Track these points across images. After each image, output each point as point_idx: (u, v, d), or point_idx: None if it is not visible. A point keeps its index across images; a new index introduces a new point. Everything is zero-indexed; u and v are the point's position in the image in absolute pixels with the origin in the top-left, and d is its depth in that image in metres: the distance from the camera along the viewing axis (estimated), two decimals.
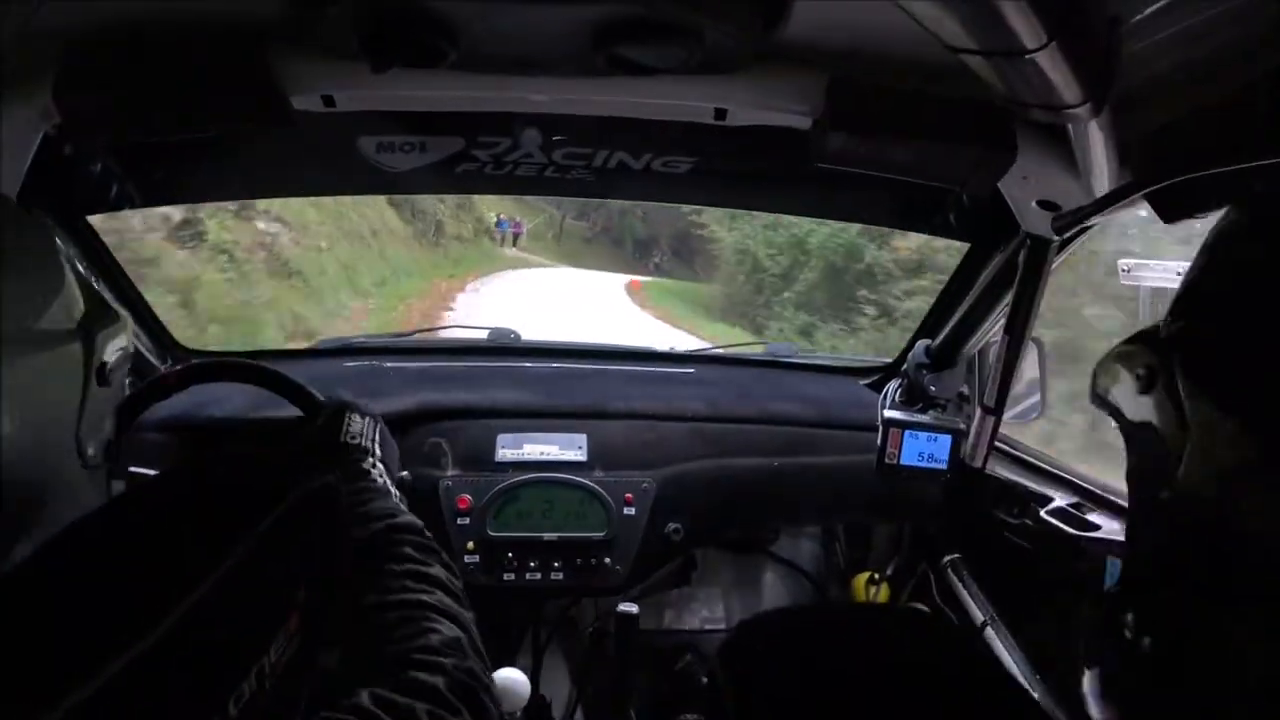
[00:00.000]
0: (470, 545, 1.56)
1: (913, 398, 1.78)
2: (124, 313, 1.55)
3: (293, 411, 1.23)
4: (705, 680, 1.77)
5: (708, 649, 1.90)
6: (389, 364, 1.95)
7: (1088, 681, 0.58)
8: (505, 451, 1.63)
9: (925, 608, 1.80)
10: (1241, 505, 0.49)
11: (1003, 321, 1.46)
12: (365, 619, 0.78)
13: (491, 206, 23.92)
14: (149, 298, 1.75)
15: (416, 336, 2.57)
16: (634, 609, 1.37)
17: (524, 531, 1.57)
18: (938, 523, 1.77)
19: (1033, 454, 1.70)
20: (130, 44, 0.97)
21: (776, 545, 2.01)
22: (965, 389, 1.78)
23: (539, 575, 1.58)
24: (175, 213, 7.30)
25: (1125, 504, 1.04)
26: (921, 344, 1.78)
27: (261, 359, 1.50)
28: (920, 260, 10.69)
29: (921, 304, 7.38)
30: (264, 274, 9.60)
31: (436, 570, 0.85)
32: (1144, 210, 0.98)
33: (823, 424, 1.80)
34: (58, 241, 1.30)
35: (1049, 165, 1.08)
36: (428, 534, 0.90)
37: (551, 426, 1.68)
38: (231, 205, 8.62)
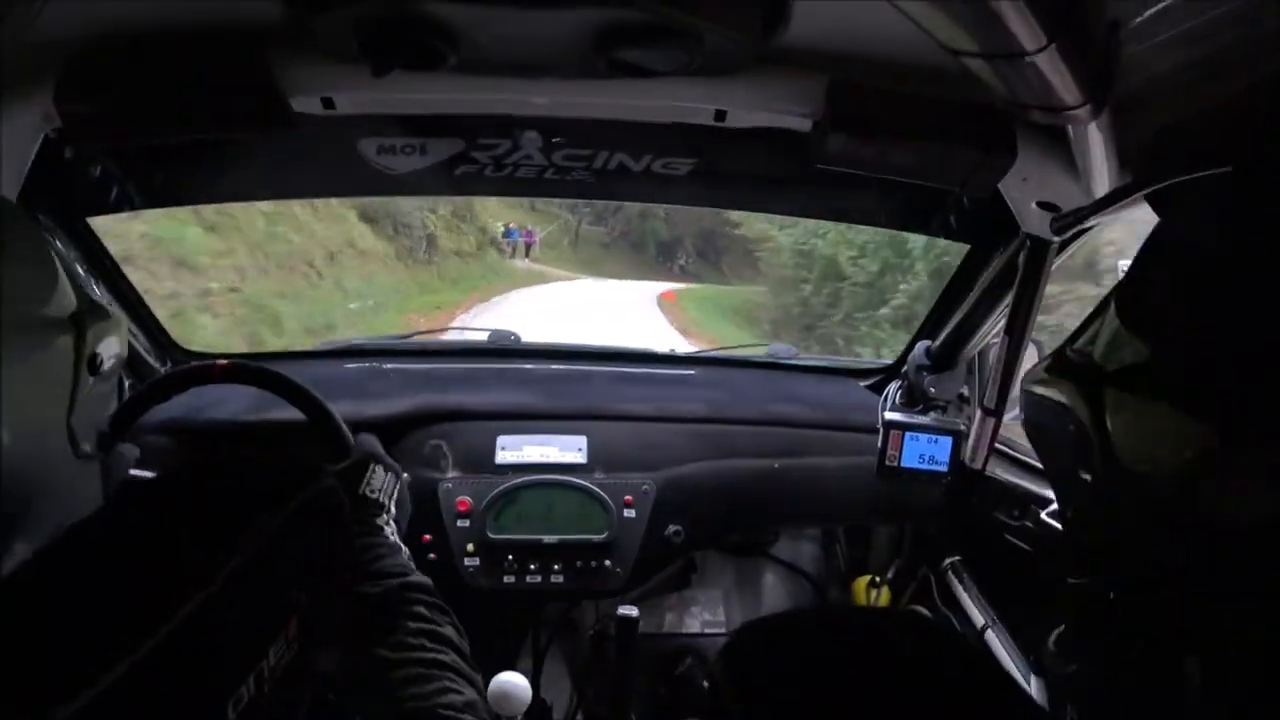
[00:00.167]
0: (470, 548, 1.56)
1: (913, 399, 1.78)
2: (122, 313, 1.56)
3: (293, 414, 1.22)
4: (706, 684, 1.77)
5: (708, 652, 1.90)
6: (389, 366, 1.95)
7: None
8: (505, 454, 1.63)
9: (926, 611, 1.80)
10: (1197, 493, 0.49)
11: (1003, 323, 1.46)
12: (382, 672, 0.80)
13: (498, 215, 21.67)
14: None
15: (417, 338, 2.57)
16: (634, 612, 1.36)
17: (524, 534, 1.57)
18: (938, 525, 1.76)
19: (1033, 455, 1.70)
20: (130, 47, 0.97)
21: (777, 548, 2.01)
22: (965, 390, 1.78)
23: (539, 578, 1.57)
24: None
25: None
26: (922, 345, 1.78)
27: (261, 361, 1.50)
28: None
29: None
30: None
31: (449, 631, 0.88)
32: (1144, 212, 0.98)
33: (823, 426, 1.79)
34: (51, 239, 1.30)
35: (1049, 167, 1.08)
36: (437, 594, 0.93)
37: (551, 428, 1.68)
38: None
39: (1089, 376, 0.63)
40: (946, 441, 1.64)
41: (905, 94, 1.03)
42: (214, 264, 8.70)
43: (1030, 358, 1.49)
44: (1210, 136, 0.83)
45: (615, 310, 15.06)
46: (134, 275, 1.64)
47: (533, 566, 1.57)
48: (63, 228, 1.43)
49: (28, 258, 0.64)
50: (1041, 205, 1.18)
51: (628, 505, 1.59)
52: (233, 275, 8.87)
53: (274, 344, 8.01)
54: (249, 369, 1.22)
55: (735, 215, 17.26)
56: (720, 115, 1.10)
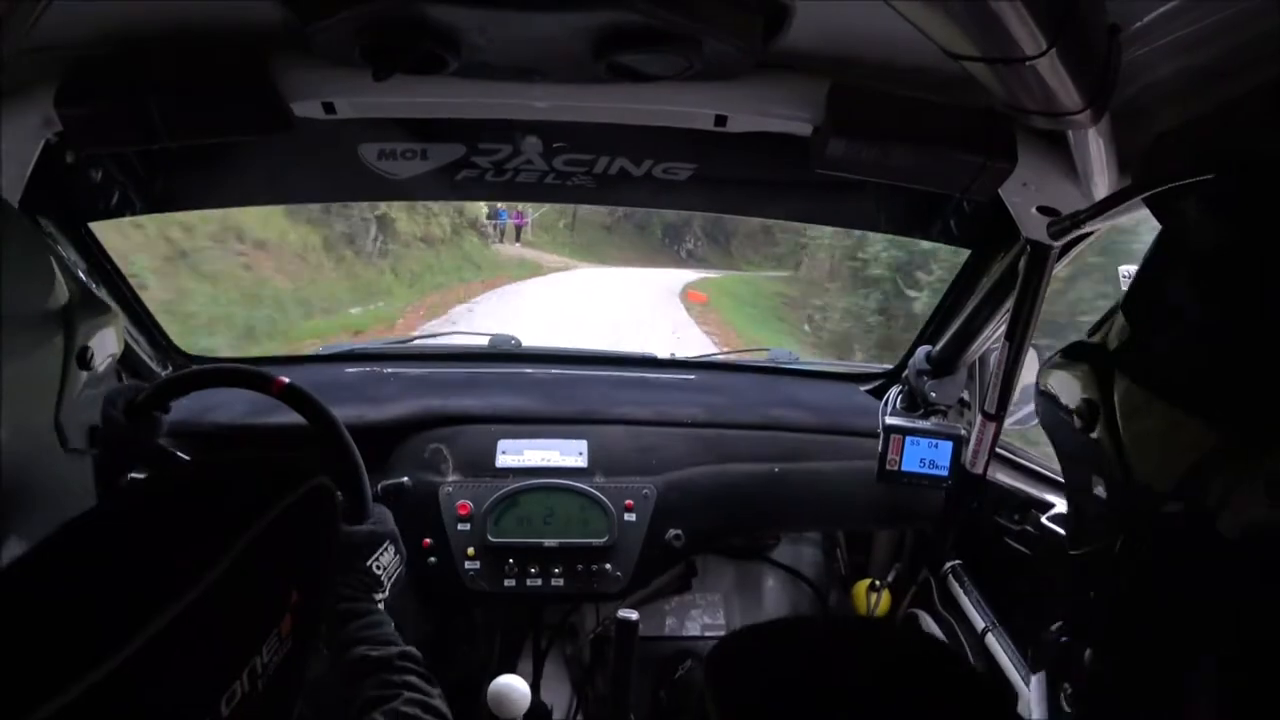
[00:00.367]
0: (470, 551, 1.56)
1: (914, 404, 1.78)
2: (122, 314, 1.56)
3: (294, 418, 1.22)
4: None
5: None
6: (389, 370, 1.95)
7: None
8: (506, 457, 1.63)
9: (927, 615, 1.80)
10: (1201, 496, 0.49)
11: (1004, 328, 1.46)
12: None
13: None
14: None
15: (417, 342, 2.57)
16: (633, 615, 1.36)
17: (525, 537, 1.57)
18: (939, 529, 1.76)
19: (1034, 460, 1.70)
20: (131, 52, 0.97)
21: (777, 552, 2.00)
22: (966, 395, 1.78)
23: (540, 581, 1.57)
24: None
25: None
26: (922, 350, 1.78)
27: (263, 365, 1.50)
28: None
29: None
30: None
31: (439, 703, 0.93)
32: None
33: (824, 430, 1.79)
34: (52, 243, 1.31)
35: (1049, 171, 1.08)
36: (424, 664, 1.00)
37: (552, 432, 1.68)
38: None
39: (1099, 378, 0.63)
40: (947, 446, 1.63)
41: (906, 99, 1.03)
42: None
43: (1031, 362, 1.49)
44: (1209, 141, 0.84)
45: (633, 316, 12.07)
46: None
47: (533, 570, 1.57)
48: (64, 232, 1.43)
49: (16, 250, 0.64)
50: (1042, 210, 1.18)
51: (628, 509, 1.59)
52: None
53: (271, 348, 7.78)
54: (306, 397, 1.20)
55: None
56: (721, 120, 1.10)
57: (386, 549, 1.13)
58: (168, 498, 0.57)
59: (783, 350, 2.39)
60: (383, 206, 12.43)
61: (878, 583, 1.89)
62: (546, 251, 20.84)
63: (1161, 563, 0.54)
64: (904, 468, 1.65)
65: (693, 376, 2.06)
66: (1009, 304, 1.44)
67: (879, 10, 0.69)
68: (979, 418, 1.56)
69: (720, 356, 2.42)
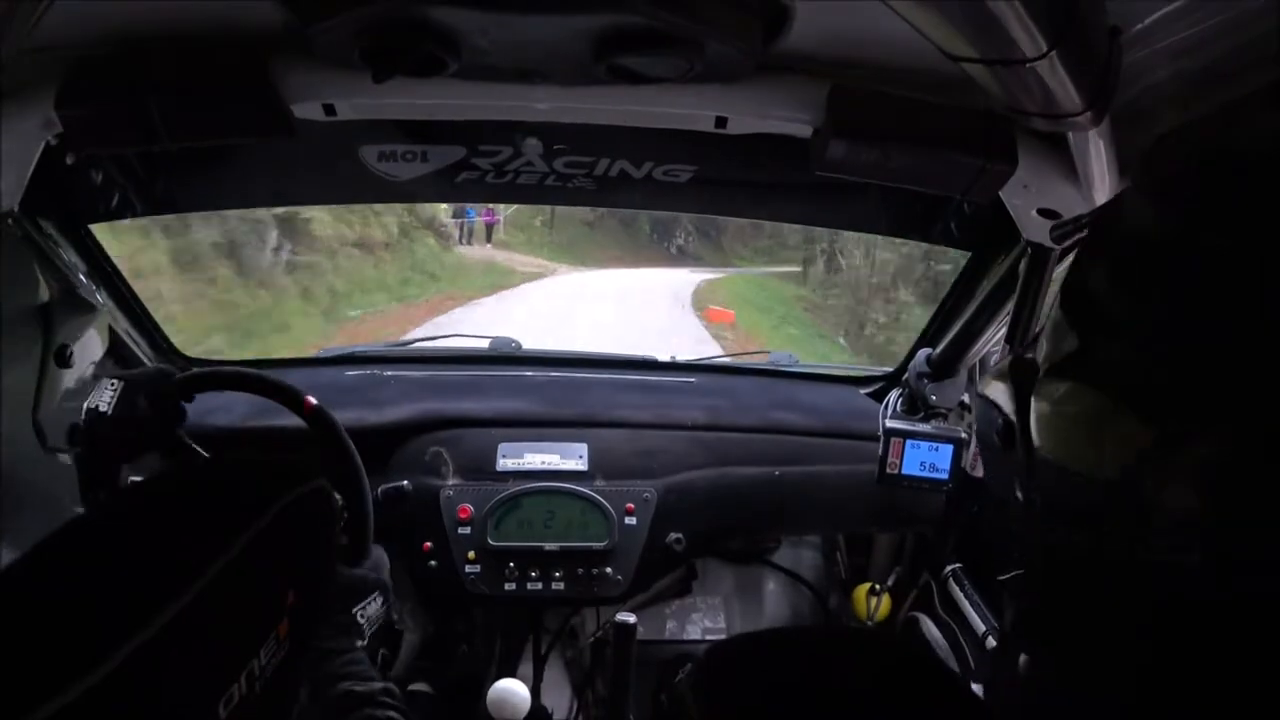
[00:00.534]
0: (471, 555, 1.56)
1: (914, 407, 1.77)
2: (123, 316, 1.56)
3: (295, 421, 1.22)
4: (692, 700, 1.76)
5: None
6: (390, 373, 1.95)
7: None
8: (506, 461, 1.63)
9: (928, 618, 1.79)
10: (1133, 490, 0.49)
11: (1004, 331, 1.46)
12: None
13: None
14: None
15: (417, 345, 2.57)
16: (631, 618, 1.36)
17: (525, 541, 1.57)
18: (939, 532, 1.76)
19: None
20: (132, 54, 0.97)
21: (777, 555, 2.00)
22: (967, 398, 1.78)
23: (540, 585, 1.57)
24: None
25: None
26: (923, 353, 1.78)
27: (263, 367, 1.50)
28: None
29: None
30: None
31: None
32: None
33: (824, 433, 1.79)
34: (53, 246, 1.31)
35: (1049, 174, 1.08)
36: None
37: (553, 436, 1.68)
38: None
39: (1026, 372, 0.63)
40: (947, 449, 1.63)
41: (906, 101, 1.03)
42: None
43: None
44: (1209, 143, 0.83)
45: (643, 341, 8.27)
46: None
47: (534, 573, 1.57)
48: (64, 234, 1.43)
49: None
50: (1042, 212, 1.18)
51: (629, 512, 1.59)
52: None
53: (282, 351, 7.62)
54: (331, 424, 1.21)
55: None
56: (721, 122, 1.10)
57: (375, 599, 1.14)
58: (166, 498, 0.57)
59: (783, 353, 2.38)
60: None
61: (878, 586, 1.88)
62: (521, 253, 18.23)
63: (1083, 558, 0.54)
64: (904, 471, 1.64)
65: (693, 379, 2.05)
66: (1009, 306, 1.44)
67: (879, 12, 0.69)
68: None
69: (721, 359, 2.41)
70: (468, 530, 1.56)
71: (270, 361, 2.09)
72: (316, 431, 1.21)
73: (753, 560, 1.99)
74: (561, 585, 1.58)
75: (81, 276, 1.49)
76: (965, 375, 1.75)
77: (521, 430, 1.69)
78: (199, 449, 1.25)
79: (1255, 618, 0.43)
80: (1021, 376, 0.62)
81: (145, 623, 0.43)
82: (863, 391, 2.04)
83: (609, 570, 1.58)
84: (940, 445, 1.63)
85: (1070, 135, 0.95)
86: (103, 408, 1.11)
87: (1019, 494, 0.63)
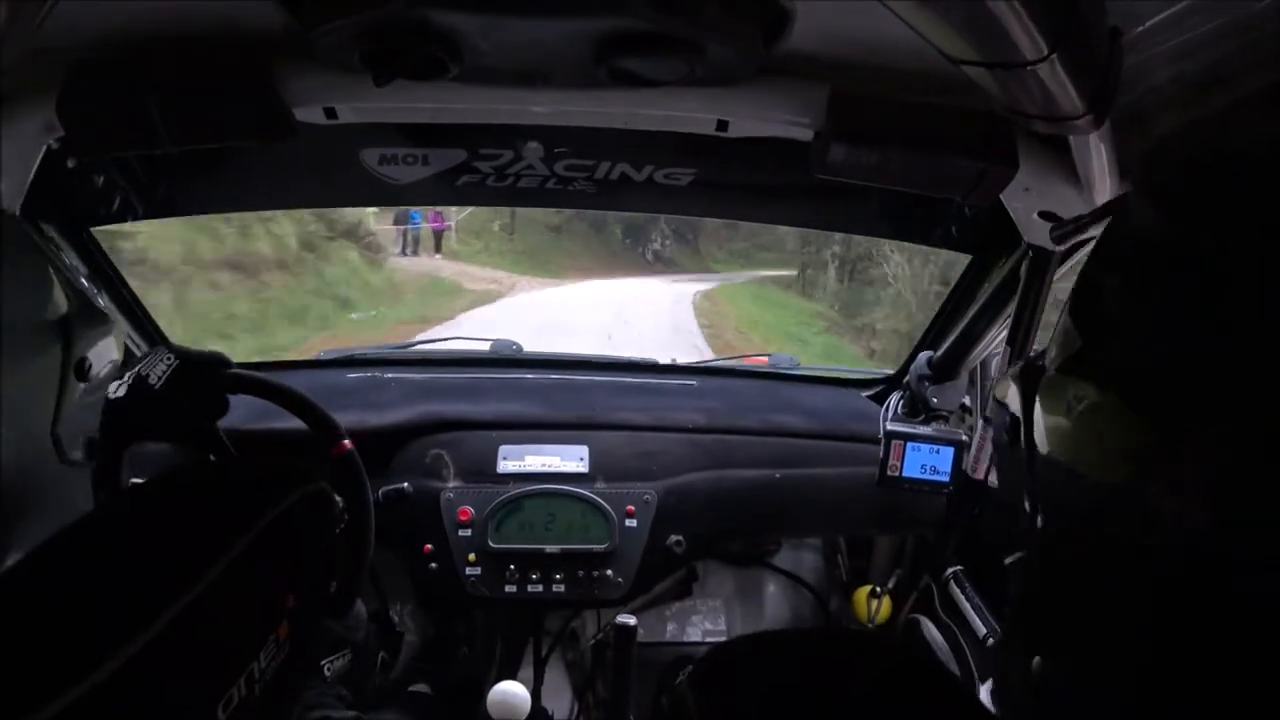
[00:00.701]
0: (472, 557, 1.56)
1: (915, 410, 1.77)
2: (125, 321, 1.56)
3: (295, 424, 1.22)
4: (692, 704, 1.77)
5: None
6: (390, 375, 1.95)
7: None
8: (507, 463, 1.63)
9: (929, 620, 1.79)
10: (1139, 497, 0.49)
11: (1005, 333, 1.46)
12: None
13: None
14: None
15: (418, 348, 2.57)
16: (631, 621, 1.36)
17: (526, 543, 1.57)
18: (940, 535, 1.76)
19: None
20: (133, 57, 0.97)
21: (778, 557, 2.00)
22: (968, 400, 1.78)
23: (540, 587, 1.57)
24: None
25: None
26: (923, 356, 1.78)
27: (265, 370, 1.50)
28: None
29: None
30: None
31: None
32: None
33: (825, 436, 1.79)
34: (45, 246, 1.31)
35: (1050, 177, 1.08)
36: None
37: (553, 438, 1.68)
38: None
39: (1034, 374, 0.63)
40: (948, 452, 1.63)
41: (907, 103, 1.03)
42: None
43: None
44: (1210, 145, 0.84)
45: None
46: None
47: (534, 576, 1.57)
48: (65, 238, 1.43)
49: (15, 262, 0.63)
50: (1043, 215, 1.18)
51: (629, 515, 1.59)
52: None
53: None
54: (358, 470, 1.20)
55: None
56: (722, 125, 1.10)
57: (344, 655, 1.16)
58: (167, 500, 0.57)
59: (784, 355, 2.39)
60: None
61: (879, 589, 1.89)
62: (476, 264, 15.09)
63: (1088, 564, 0.54)
64: (905, 473, 1.64)
65: (694, 382, 2.05)
66: (1010, 309, 1.44)
67: (880, 15, 0.69)
68: (980, 423, 1.55)
69: (721, 362, 2.42)
70: (468, 532, 1.56)
71: (270, 363, 2.09)
72: (341, 473, 1.19)
73: (753, 562, 2.00)
74: (562, 587, 1.58)
75: (83, 280, 1.49)
76: (966, 378, 1.75)
77: (522, 432, 1.69)
78: (230, 447, 1.23)
79: (1255, 617, 0.43)
80: (1029, 378, 0.62)
81: (146, 624, 0.43)
82: (863, 394, 2.04)
83: (609, 572, 1.58)
84: (941, 448, 1.63)
85: (1071, 138, 0.95)
86: (152, 379, 1.06)
87: (1026, 495, 0.63)
